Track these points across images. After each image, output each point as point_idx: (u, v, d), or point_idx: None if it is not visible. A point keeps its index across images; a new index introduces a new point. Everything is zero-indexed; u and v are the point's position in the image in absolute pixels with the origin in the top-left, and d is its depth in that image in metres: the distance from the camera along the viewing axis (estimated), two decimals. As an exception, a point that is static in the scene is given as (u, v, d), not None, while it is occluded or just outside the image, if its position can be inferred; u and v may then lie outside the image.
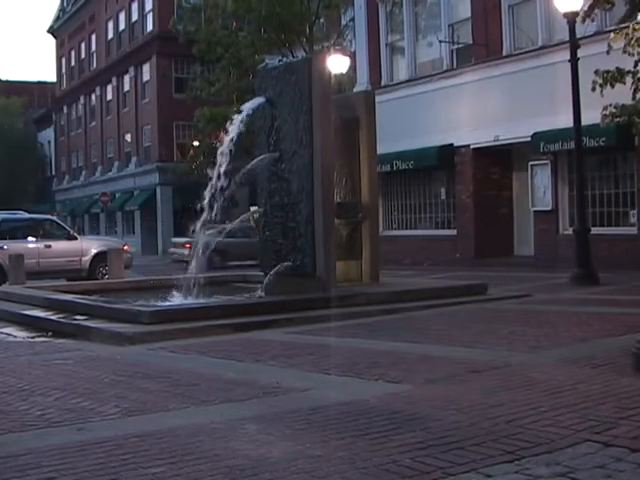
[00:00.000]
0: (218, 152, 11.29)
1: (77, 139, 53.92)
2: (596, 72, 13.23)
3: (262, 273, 11.61)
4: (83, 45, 52.93)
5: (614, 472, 3.51)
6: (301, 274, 10.98)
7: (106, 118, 48.60)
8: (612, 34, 13.00)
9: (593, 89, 13.12)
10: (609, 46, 12.74)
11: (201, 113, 31.66)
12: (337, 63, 20.69)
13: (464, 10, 21.37)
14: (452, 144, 21.12)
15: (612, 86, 13.09)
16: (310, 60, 12.19)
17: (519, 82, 19.16)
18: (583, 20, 13.49)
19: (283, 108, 11.33)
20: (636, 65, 13.19)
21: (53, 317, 10.21)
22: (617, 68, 13.19)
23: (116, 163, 46.87)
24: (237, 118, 11.40)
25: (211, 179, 11.03)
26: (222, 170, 11.01)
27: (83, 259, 19.21)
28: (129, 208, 43.99)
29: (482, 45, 20.54)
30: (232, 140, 11.16)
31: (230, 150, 11.11)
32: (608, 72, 13.20)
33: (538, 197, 19.29)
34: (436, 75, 21.91)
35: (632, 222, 17.42)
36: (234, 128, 11.28)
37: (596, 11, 13.73)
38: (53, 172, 59.47)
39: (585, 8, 13.44)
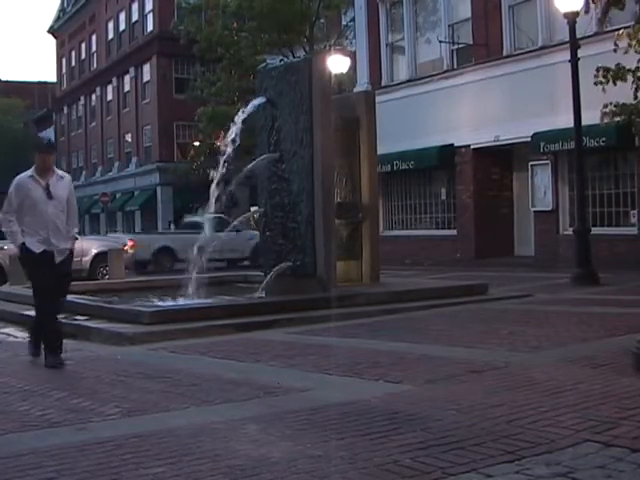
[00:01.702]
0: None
1: (77, 139, 53.94)
2: (598, 69, 13.25)
3: (262, 273, 11.62)
4: (83, 45, 52.94)
5: (614, 472, 3.50)
6: (301, 274, 10.98)
7: (106, 118, 48.62)
8: (617, 33, 13.00)
9: (596, 84, 13.12)
10: (615, 44, 12.73)
11: (203, 111, 31.65)
12: (337, 63, 20.71)
13: (464, 10, 21.37)
14: (452, 144, 21.12)
15: (614, 83, 13.10)
16: (310, 60, 12.20)
17: (519, 82, 19.16)
18: (601, 25, 13.50)
19: (283, 108, 11.33)
20: (638, 66, 13.20)
21: (53, 317, 10.20)
22: (617, 65, 13.19)
23: (116, 163, 46.88)
24: (238, 118, 11.44)
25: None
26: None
27: (84, 259, 19.20)
28: (129, 208, 44.00)
29: (482, 45, 20.55)
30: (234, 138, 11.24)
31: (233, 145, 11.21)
32: (609, 70, 13.22)
33: (538, 197, 19.28)
34: (436, 75, 21.91)
35: (632, 222, 17.41)
36: (235, 127, 11.33)
37: (597, 10, 13.74)
38: (53, 172, 59.43)
39: (599, 15, 13.46)
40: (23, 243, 7.07)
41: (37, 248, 7.03)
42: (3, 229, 7.31)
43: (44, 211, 7.07)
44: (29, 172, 7.35)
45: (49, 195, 7.14)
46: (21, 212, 7.10)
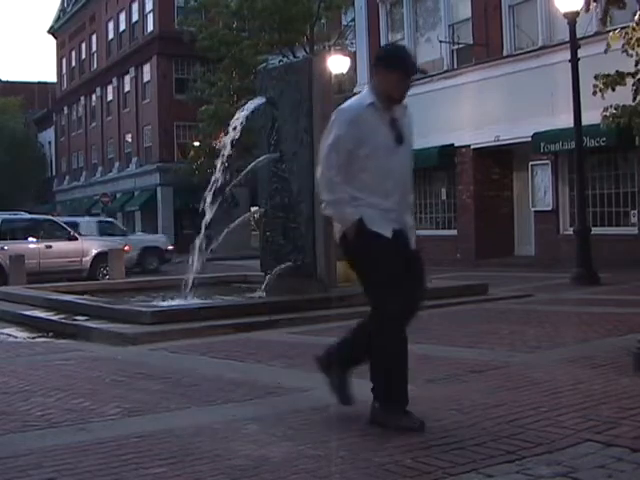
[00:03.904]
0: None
1: (77, 139, 53.94)
2: (596, 77, 13.25)
3: (262, 273, 11.62)
4: (83, 45, 52.97)
5: (615, 472, 3.51)
6: (302, 274, 10.97)
7: (107, 119, 48.63)
8: (611, 33, 13.01)
9: (594, 93, 13.15)
10: (608, 45, 12.74)
11: (205, 109, 31.65)
12: (337, 63, 20.73)
13: (464, 10, 21.38)
14: (453, 144, 21.13)
15: (613, 89, 13.12)
16: (311, 60, 12.21)
17: (519, 82, 19.17)
18: (602, 24, 13.51)
19: (284, 108, 11.33)
20: (637, 65, 13.20)
21: (54, 318, 10.22)
22: (617, 71, 13.21)
23: (116, 164, 46.88)
24: (238, 117, 11.43)
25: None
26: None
27: (84, 259, 19.24)
28: (130, 209, 43.99)
29: (482, 45, 20.55)
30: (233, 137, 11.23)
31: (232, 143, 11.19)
32: (608, 76, 13.22)
33: (538, 197, 19.29)
34: (436, 75, 21.90)
35: (633, 222, 17.42)
36: (236, 127, 11.32)
37: (598, 9, 13.75)
38: (54, 173, 59.50)
39: (599, 15, 13.45)
40: (360, 220, 4.28)
41: (385, 229, 4.29)
42: (323, 196, 4.49)
43: (391, 164, 4.34)
44: (365, 97, 4.43)
45: (398, 138, 4.37)
46: (352, 165, 4.32)
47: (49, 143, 61.05)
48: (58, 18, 57.91)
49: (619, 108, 13.58)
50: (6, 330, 10.09)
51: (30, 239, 18.86)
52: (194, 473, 3.71)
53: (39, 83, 68.21)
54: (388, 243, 4.26)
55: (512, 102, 19.31)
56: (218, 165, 11.12)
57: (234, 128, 11.17)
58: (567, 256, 16.34)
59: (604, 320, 8.58)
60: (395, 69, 4.33)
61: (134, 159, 44.36)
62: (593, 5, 13.27)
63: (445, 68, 21.77)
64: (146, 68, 43.07)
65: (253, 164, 11.60)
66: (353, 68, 23.68)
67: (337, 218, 4.41)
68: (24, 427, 4.67)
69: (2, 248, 17.72)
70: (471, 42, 21.08)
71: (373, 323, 4.51)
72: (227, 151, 11.12)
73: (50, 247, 18.70)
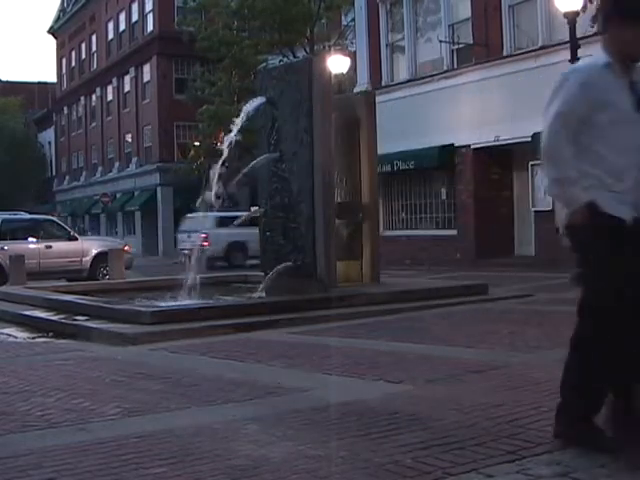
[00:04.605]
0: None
1: (77, 140, 53.96)
2: None
3: (262, 273, 11.62)
4: (83, 45, 53.01)
5: (615, 472, 3.51)
6: (302, 274, 10.98)
7: (106, 119, 48.65)
8: None
9: None
10: None
11: (205, 110, 31.64)
12: (338, 63, 20.74)
13: (464, 10, 21.39)
14: (452, 144, 21.13)
15: None
16: (311, 60, 12.23)
17: (519, 82, 19.16)
18: (594, 22, 13.51)
19: (284, 108, 11.34)
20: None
21: (54, 318, 10.21)
22: None
23: (116, 164, 46.89)
24: (238, 118, 11.44)
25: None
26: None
27: (84, 259, 19.22)
28: (130, 209, 44.01)
29: (482, 45, 20.56)
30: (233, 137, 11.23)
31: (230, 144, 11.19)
32: None
33: (539, 197, 19.29)
34: (436, 75, 21.92)
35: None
36: (235, 128, 11.33)
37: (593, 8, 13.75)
38: (54, 173, 59.51)
39: (593, 12, 13.46)
40: (592, 202, 3.63)
41: (624, 213, 3.61)
42: (549, 173, 3.77)
43: (630, 136, 3.65)
44: (599, 57, 3.81)
45: (639, 104, 3.68)
46: (583, 134, 3.69)
47: (49, 143, 61.06)
48: (58, 18, 57.94)
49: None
50: (6, 330, 10.08)
51: (30, 239, 18.85)
52: (194, 473, 3.71)
53: (39, 83, 68.24)
54: (629, 229, 3.54)
55: (512, 102, 19.30)
56: (217, 166, 11.13)
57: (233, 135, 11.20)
58: (567, 256, 16.33)
59: (604, 320, 8.56)
60: (635, 20, 3.59)
61: (134, 159, 44.37)
62: (592, 5, 13.28)
63: (445, 68, 21.78)
64: (146, 68, 43.09)
65: (253, 163, 11.61)
66: (353, 68, 23.69)
67: (564, 199, 3.71)
68: (24, 427, 4.67)
69: (2, 248, 17.71)
70: (471, 42, 21.09)
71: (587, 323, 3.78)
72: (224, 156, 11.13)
73: (50, 247, 18.69)
